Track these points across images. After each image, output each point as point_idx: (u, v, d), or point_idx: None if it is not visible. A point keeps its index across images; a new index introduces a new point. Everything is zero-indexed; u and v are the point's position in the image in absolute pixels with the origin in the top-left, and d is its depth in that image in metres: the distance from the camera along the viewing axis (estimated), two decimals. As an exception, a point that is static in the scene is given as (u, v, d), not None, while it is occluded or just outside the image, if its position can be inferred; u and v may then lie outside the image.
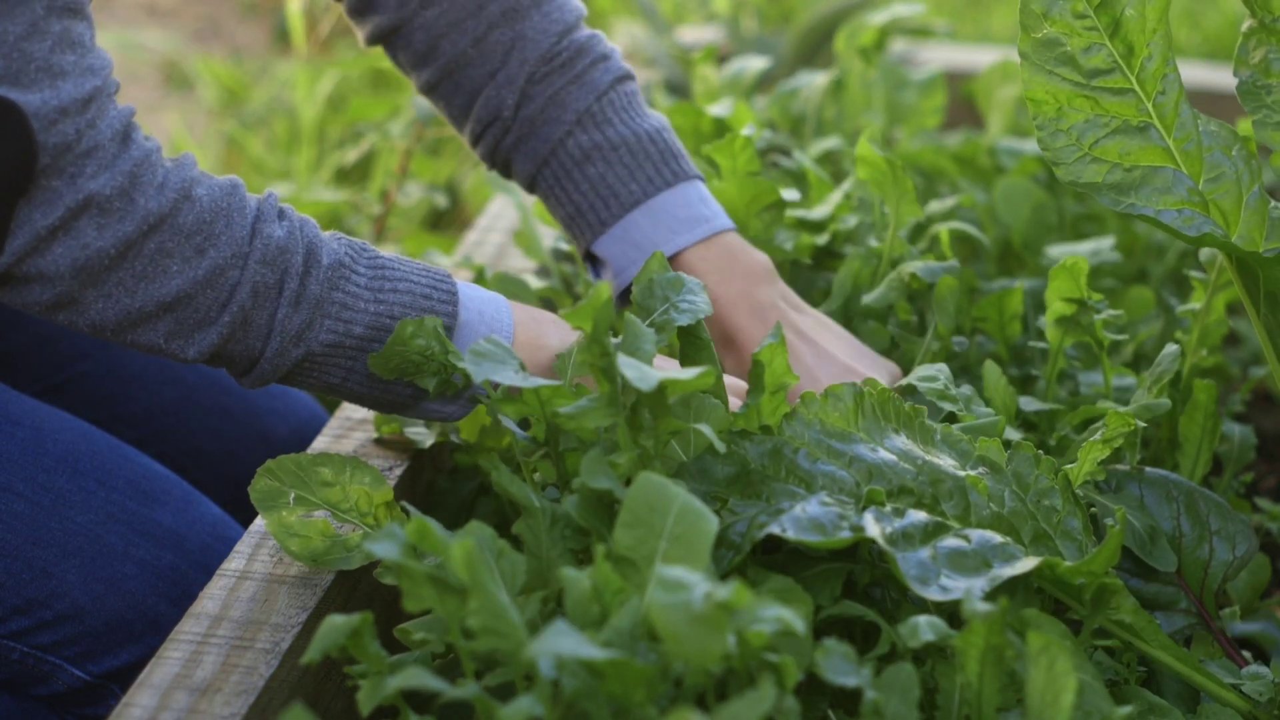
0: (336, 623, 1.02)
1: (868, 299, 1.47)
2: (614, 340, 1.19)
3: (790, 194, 1.53)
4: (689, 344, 1.24)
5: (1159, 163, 1.23)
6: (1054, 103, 1.23)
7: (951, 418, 1.32)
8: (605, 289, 1.09)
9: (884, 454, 1.18)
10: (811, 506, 1.11)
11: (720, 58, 2.28)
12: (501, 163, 1.47)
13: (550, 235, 1.66)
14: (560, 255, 1.67)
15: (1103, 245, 1.69)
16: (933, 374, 1.32)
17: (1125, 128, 1.23)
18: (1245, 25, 1.25)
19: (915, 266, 1.46)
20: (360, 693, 1.03)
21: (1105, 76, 1.22)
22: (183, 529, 1.38)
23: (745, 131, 1.57)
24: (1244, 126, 1.66)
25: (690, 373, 1.10)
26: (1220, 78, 2.17)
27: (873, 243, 1.54)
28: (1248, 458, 1.54)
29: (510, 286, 1.54)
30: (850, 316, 1.52)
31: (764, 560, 1.17)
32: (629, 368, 1.09)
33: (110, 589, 1.33)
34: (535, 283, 1.58)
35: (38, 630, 1.32)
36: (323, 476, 1.24)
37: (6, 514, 1.31)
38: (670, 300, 1.24)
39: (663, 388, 1.11)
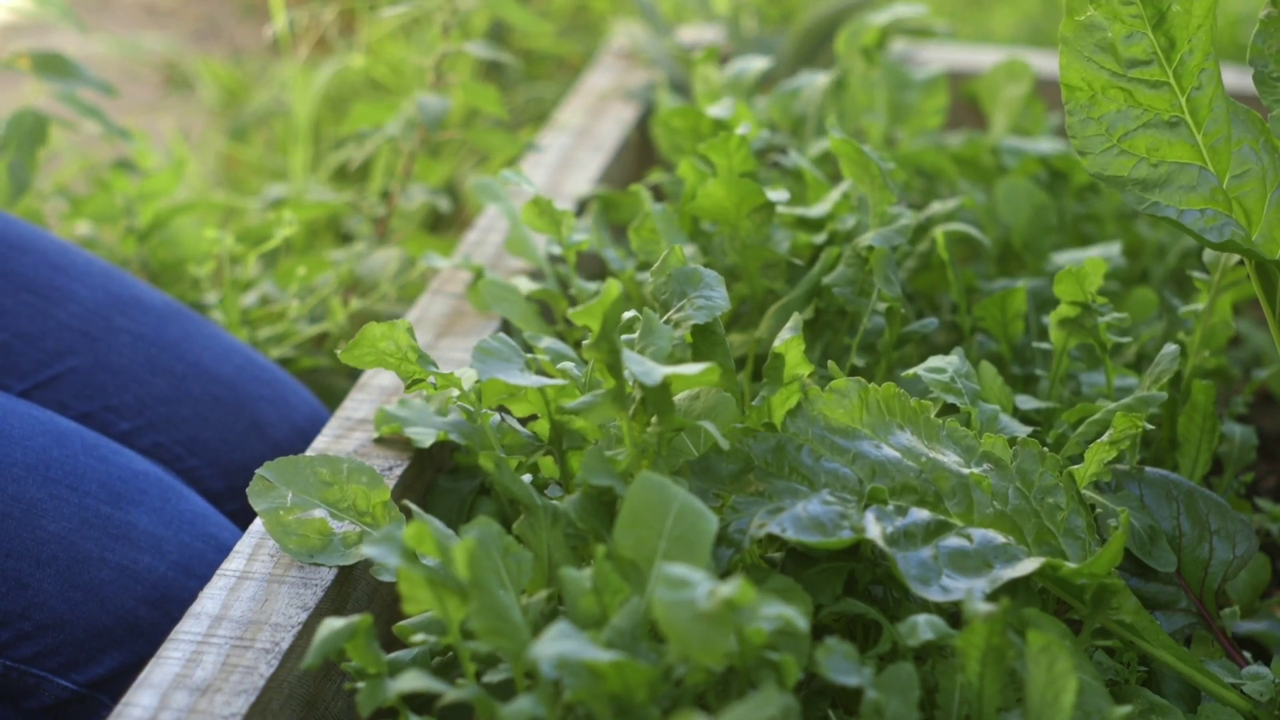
0: (335, 626, 1.02)
1: (828, 279, 1.46)
2: (628, 336, 1.19)
3: (778, 195, 1.52)
4: (702, 339, 1.24)
5: (1186, 159, 1.22)
6: (1088, 90, 1.22)
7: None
8: (615, 287, 1.09)
9: (888, 451, 1.17)
10: (812, 505, 1.11)
11: (720, 58, 2.28)
12: None
13: (543, 239, 1.66)
14: (555, 258, 1.67)
15: (1111, 251, 1.68)
16: (941, 365, 1.32)
17: (1156, 122, 1.22)
18: (1263, 13, 1.24)
19: (869, 237, 1.45)
20: (359, 695, 1.03)
21: (1143, 68, 1.22)
22: (159, 529, 1.38)
23: (740, 130, 1.57)
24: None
25: (695, 368, 1.10)
26: (1222, 77, 2.17)
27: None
28: (1249, 458, 1.54)
29: (499, 291, 1.54)
30: (812, 299, 1.50)
31: (767, 558, 1.17)
32: (634, 363, 1.09)
33: (88, 596, 1.33)
34: (529, 285, 1.58)
35: (18, 643, 1.31)
36: (321, 476, 1.24)
37: None
38: (687, 295, 1.23)
39: (667, 384, 1.11)
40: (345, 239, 2.42)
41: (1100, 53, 1.21)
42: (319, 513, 1.23)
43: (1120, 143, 1.22)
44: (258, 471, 1.24)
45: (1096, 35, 1.21)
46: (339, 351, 1.27)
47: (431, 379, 1.27)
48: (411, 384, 1.28)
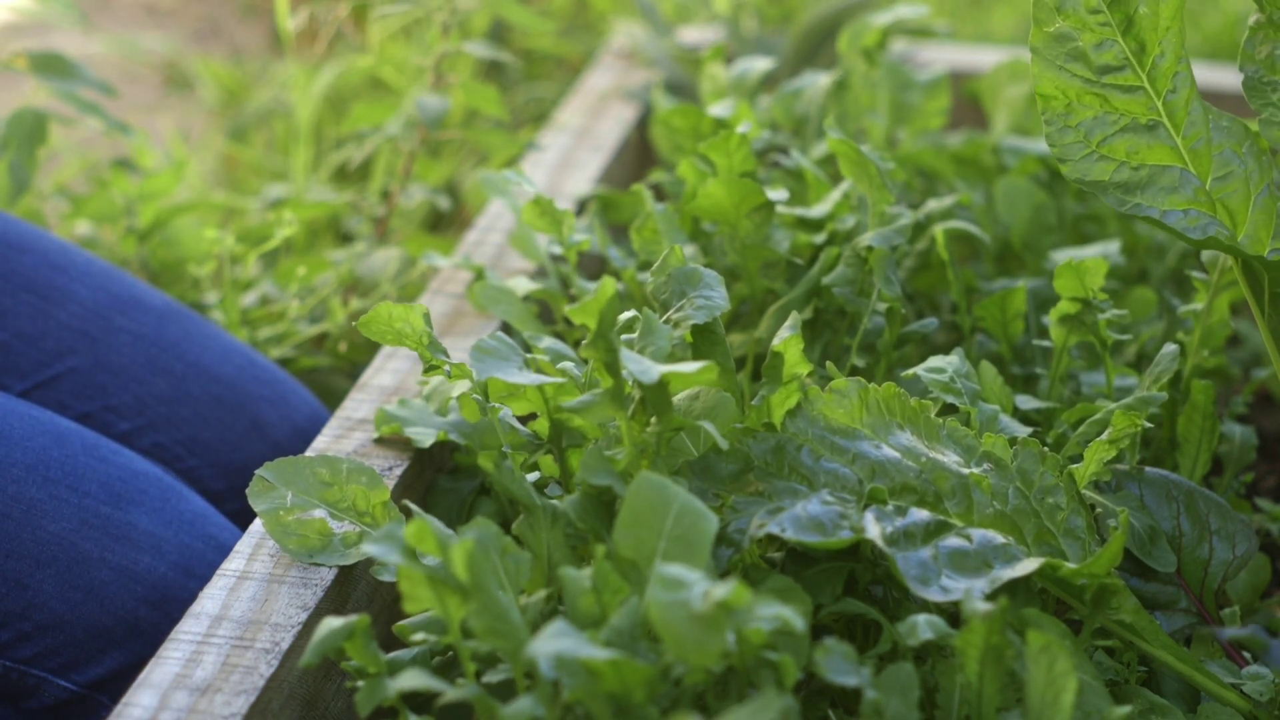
0: (334, 625, 1.02)
1: (828, 279, 1.46)
2: (629, 336, 1.19)
3: (777, 194, 1.52)
4: (702, 339, 1.24)
5: (1167, 161, 1.22)
6: (1063, 99, 1.22)
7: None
8: (610, 285, 1.09)
9: (888, 451, 1.17)
10: (812, 505, 1.10)
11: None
12: None
13: (545, 238, 1.66)
14: (556, 258, 1.67)
15: (1110, 249, 1.68)
16: (941, 365, 1.32)
17: (1134, 126, 1.22)
18: (1252, 19, 1.24)
19: (868, 237, 1.45)
20: (359, 694, 1.03)
21: (1116, 74, 1.22)
22: (159, 530, 1.38)
23: (741, 129, 1.56)
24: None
25: (692, 366, 1.10)
26: (1220, 78, 2.17)
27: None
28: (1248, 458, 1.54)
29: (495, 294, 1.54)
30: (812, 299, 1.50)
31: (767, 558, 1.17)
32: (632, 362, 1.09)
33: (88, 597, 1.33)
34: (529, 285, 1.58)
35: (18, 643, 1.31)
36: (320, 476, 1.24)
37: None
38: (687, 295, 1.23)
39: (665, 382, 1.11)
40: (345, 239, 2.42)
41: (1072, 61, 1.22)
42: (319, 513, 1.23)
43: (1099, 148, 1.22)
44: (257, 472, 1.24)
45: (1067, 45, 1.22)
46: (356, 323, 1.27)
47: (447, 368, 1.26)
48: (427, 369, 1.28)
